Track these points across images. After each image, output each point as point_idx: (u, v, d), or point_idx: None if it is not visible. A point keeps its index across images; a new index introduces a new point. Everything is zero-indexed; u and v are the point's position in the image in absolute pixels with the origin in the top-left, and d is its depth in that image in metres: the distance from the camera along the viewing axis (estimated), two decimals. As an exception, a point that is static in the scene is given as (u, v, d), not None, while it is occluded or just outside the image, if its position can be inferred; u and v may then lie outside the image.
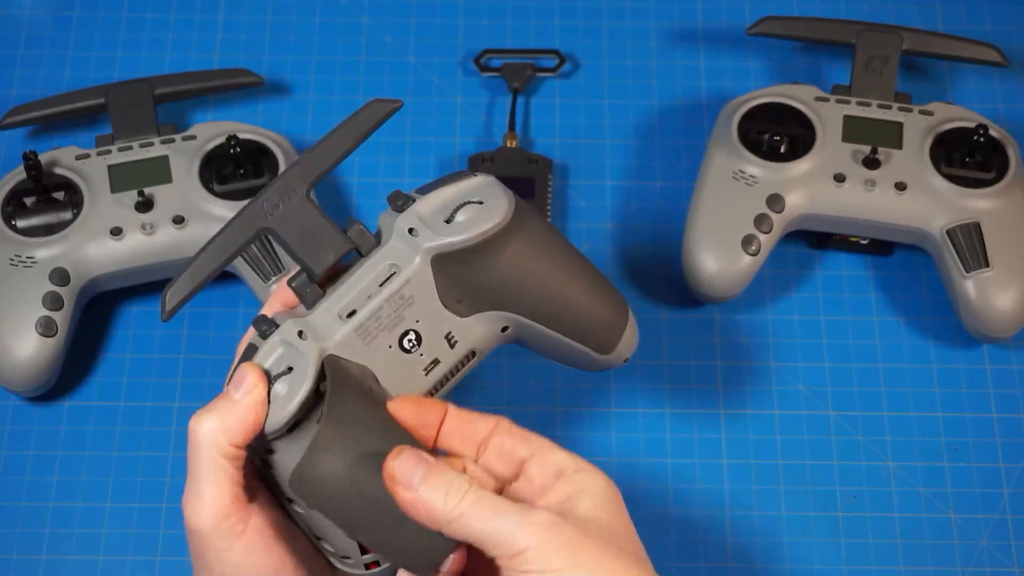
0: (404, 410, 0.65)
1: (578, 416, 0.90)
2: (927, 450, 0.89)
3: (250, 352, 0.65)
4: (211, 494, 0.63)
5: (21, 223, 0.90)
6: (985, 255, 0.89)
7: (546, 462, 0.64)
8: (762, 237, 0.90)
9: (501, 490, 0.65)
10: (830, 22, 0.98)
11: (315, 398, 0.64)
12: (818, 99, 0.94)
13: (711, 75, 1.02)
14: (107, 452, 0.89)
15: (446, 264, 0.67)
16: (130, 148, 0.93)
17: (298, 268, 0.67)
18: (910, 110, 0.94)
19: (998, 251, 0.89)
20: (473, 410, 0.66)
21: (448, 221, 0.68)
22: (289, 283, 0.67)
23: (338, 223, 0.67)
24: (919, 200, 0.91)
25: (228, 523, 0.63)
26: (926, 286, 0.95)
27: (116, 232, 0.89)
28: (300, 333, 0.65)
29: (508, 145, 0.98)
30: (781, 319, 0.94)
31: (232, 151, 0.91)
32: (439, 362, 0.69)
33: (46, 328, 0.87)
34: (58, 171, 0.91)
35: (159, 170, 0.92)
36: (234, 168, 0.92)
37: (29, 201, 0.90)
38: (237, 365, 0.65)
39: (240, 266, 0.88)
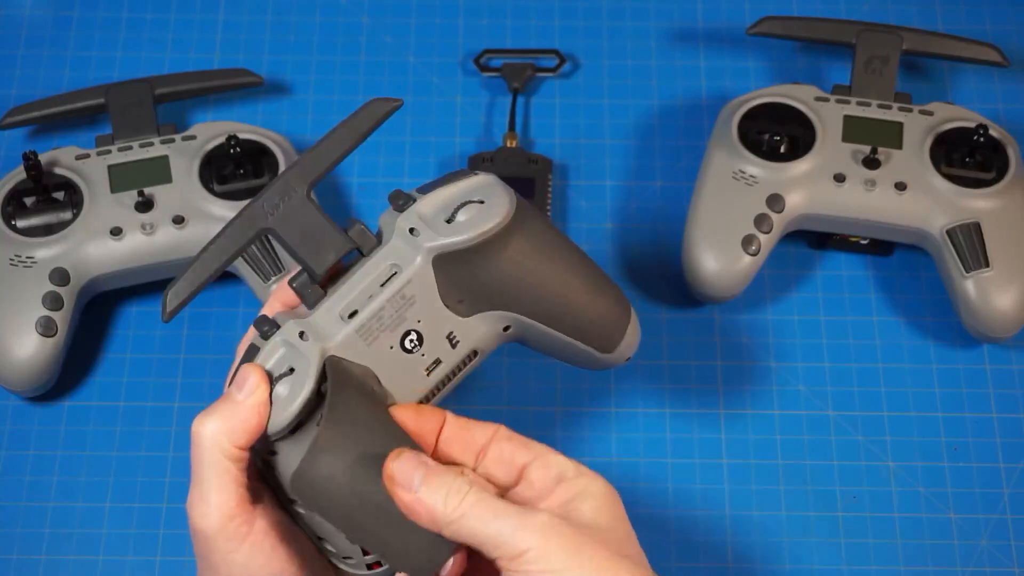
0: (403, 418, 0.65)
1: (578, 416, 0.90)
2: (927, 450, 0.89)
3: (251, 353, 0.65)
4: (216, 496, 0.63)
5: (21, 223, 0.90)
6: (985, 255, 0.89)
7: (547, 466, 0.64)
8: (762, 237, 0.90)
9: (501, 496, 0.64)
10: (830, 22, 0.98)
11: (317, 399, 0.64)
12: (818, 99, 0.94)
13: (711, 75, 1.02)
14: (107, 452, 0.89)
15: (447, 264, 0.67)
16: (130, 148, 0.93)
17: (299, 268, 0.67)
18: (910, 110, 0.94)
19: (998, 251, 0.89)
20: (471, 417, 0.66)
21: (449, 221, 0.68)
22: (290, 283, 0.67)
23: (338, 223, 0.67)
24: (919, 200, 0.91)
25: (233, 525, 0.63)
26: (926, 286, 0.95)
27: (116, 232, 0.89)
28: (301, 334, 0.65)
29: (508, 145, 0.98)
30: (781, 319, 0.94)
31: (232, 151, 0.91)
32: (441, 362, 0.69)
33: (46, 328, 0.87)
34: (58, 171, 0.91)
35: (159, 170, 0.92)
36: (234, 168, 0.92)
37: (29, 201, 0.90)
38: (239, 366, 0.65)
39: (240, 266, 0.88)
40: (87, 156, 0.92)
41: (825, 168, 0.91)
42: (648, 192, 0.98)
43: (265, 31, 1.04)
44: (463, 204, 0.68)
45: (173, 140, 0.93)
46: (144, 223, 0.89)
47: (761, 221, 0.90)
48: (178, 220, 0.89)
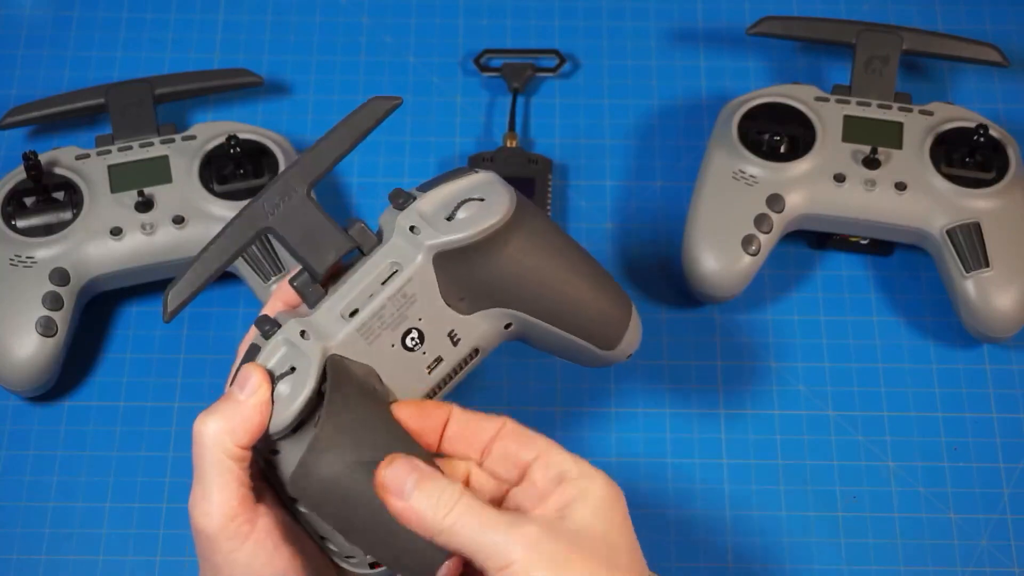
0: (405, 415, 0.65)
1: (578, 416, 0.90)
2: (927, 450, 0.89)
3: (253, 352, 0.65)
4: (218, 496, 0.63)
5: (21, 223, 0.89)
6: (985, 255, 0.89)
7: (549, 466, 0.63)
8: (762, 237, 0.90)
9: (505, 493, 0.65)
10: (830, 22, 0.98)
11: (319, 398, 0.64)
12: (818, 99, 0.94)
13: (711, 75, 1.02)
14: (107, 452, 0.89)
15: (448, 262, 0.67)
16: (130, 148, 0.92)
17: (299, 268, 0.67)
18: (910, 110, 0.94)
19: (998, 251, 0.89)
20: (478, 410, 0.66)
21: (449, 218, 0.67)
22: (291, 282, 0.67)
23: (339, 223, 0.67)
24: (919, 200, 0.91)
25: (235, 524, 0.63)
26: (926, 286, 0.95)
27: (116, 232, 0.89)
28: (303, 333, 0.65)
29: (508, 145, 0.98)
30: (781, 319, 0.94)
31: (232, 151, 0.91)
32: (442, 360, 0.68)
33: (46, 328, 0.87)
34: (58, 171, 0.91)
35: (159, 170, 0.92)
36: (234, 168, 0.92)
37: (29, 201, 0.90)
38: (240, 365, 0.65)
39: (240, 266, 0.88)
40: (87, 156, 0.92)
41: (825, 168, 0.91)
42: (648, 192, 0.98)
43: (265, 31, 1.04)
44: (463, 202, 0.68)
45: (173, 140, 0.93)
46: (144, 223, 0.89)
47: (761, 221, 0.90)
48: (178, 220, 0.89)
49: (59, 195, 0.90)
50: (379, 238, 0.68)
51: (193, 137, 0.93)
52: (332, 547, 0.66)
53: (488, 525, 0.59)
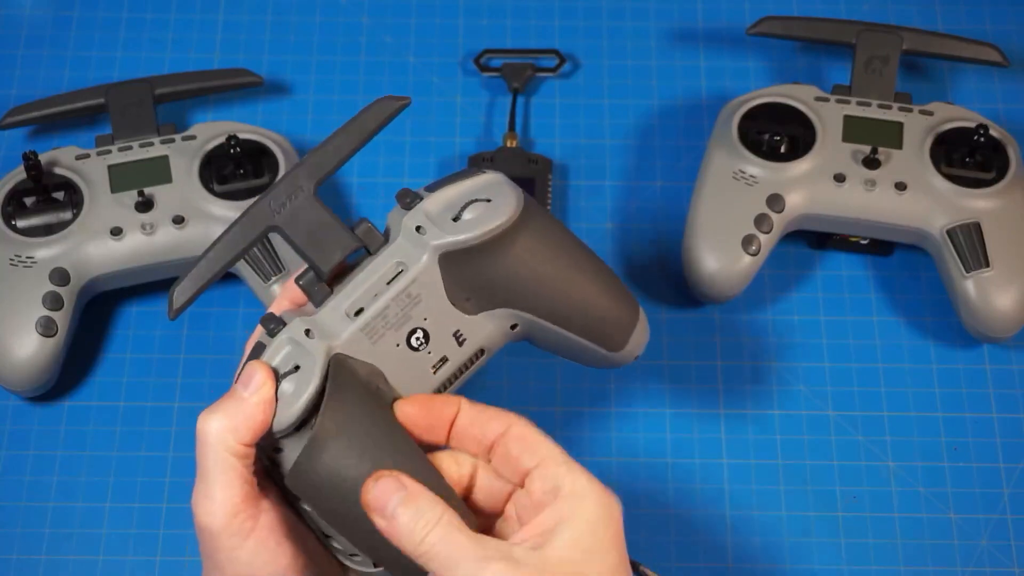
0: (412, 410, 0.65)
1: (578, 416, 0.90)
2: (927, 450, 0.89)
3: (258, 350, 0.65)
4: (221, 493, 0.63)
5: (21, 223, 0.89)
6: (985, 255, 0.89)
7: (545, 478, 0.63)
8: (762, 237, 0.90)
9: (511, 492, 0.65)
10: (830, 22, 0.99)
11: (322, 397, 0.64)
12: (818, 99, 0.94)
13: (711, 75, 1.03)
14: (107, 452, 0.88)
15: (454, 262, 0.67)
16: (130, 148, 0.92)
17: (305, 266, 0.67)
18: (910, 110, 0.94)
19: (998, 251, 0.89)
20: (489, 406, 0.66)
21: (456, 219, 0.68)
22: (297, 281, 0.67)
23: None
24: (919, 200, 0.91)
25: (238, 521, 0.63)
26: (926, 286, 0.95)
27: (116, 232, 0.89)
28: (307, 331, 0.65)
29: (508, 145, 0.98)
30: (781, 319, 0.94)
31: (232, 151, 0.91)
32: (447, 360, 0.68)
33: (46, 328, 0.86)
34: (58, 171, 0.91)
35: (159, 170, 0.91)
36: (234, 168, 0.91)
37: (29, 201, 0.90)
38: (245, 363, 0.65)
39: (240, 267, 0.88)
40: (87, 156, 0.92)
41: (825, 168, 0.92)
42: (648, 192, 0.98)
43: (265, 31, 1.04)
44: (470, 202, 0.68)
45: (173, 140, 0.93)
46: (144, 223, 0.89)
47: (761, 221, 0.90)
48: (178, 220, 0.89)
49: (59, 195, 0.90)
50: (386, 238, 0.68)
51: (193, 137, 0.93)
52: (336, 545, 0.66)
53: (459, 556, 0.60)
